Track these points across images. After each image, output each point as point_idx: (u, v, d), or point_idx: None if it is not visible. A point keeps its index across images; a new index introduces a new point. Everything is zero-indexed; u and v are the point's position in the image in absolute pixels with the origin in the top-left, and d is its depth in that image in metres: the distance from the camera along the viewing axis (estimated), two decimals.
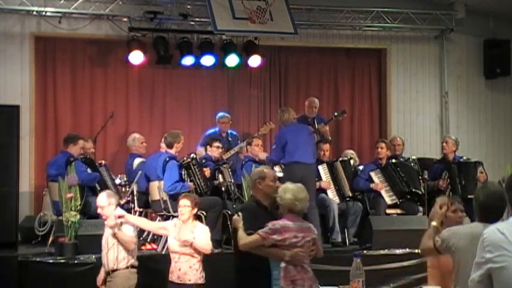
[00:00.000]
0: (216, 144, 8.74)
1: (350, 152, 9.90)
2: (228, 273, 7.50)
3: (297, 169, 8.00)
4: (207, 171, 8.24)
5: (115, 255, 6.22)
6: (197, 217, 6.63)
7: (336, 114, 9.57)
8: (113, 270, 6.25)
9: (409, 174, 8.91)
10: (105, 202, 6.20)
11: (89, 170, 8.20)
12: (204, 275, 6.26)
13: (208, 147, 8.78)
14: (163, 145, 8.63)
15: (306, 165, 8.12)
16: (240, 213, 5.05)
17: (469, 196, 8.67)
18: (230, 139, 9.70)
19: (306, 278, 4.85)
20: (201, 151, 9.09)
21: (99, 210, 6.25)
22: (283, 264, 4.80)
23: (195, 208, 6.24)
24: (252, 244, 4.85)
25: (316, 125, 9.39)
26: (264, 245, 4.82)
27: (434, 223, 4.39)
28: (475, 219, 4.21)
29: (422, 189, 8.78)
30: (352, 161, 9.33)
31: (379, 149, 9.01)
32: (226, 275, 7.46)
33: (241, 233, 4.91)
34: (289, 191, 4.99)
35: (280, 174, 8.77)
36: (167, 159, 7.89)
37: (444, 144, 9.26)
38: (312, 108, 9.70)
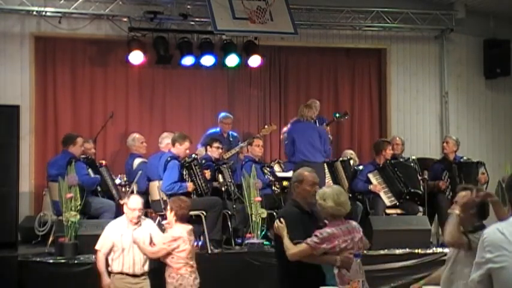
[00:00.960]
0: (216, 144, 8.74)
1: (350, 152, 9.91)
2: (227, 273, 7.52)
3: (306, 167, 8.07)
4: (208, 173, 8.24)
5: (142, 257, 6.41)
6: (188, 220, 6.66)
7: (337, 115, 9.57)
8: (142, 274, 6.42)
9: (407, 174, 8.89)
10: (141, 205, 6.54)
11: (90, 172, 8.17)
12: (183, 282, 6.25)
13: (208, 147, 8.79)
14: (161, 145, 8.64)
15: (316, 164, 8.20)
16: (282, 220, 4.89)
17: None
18: (231, 139, 9.71)
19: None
20: (201, 151, 9.10)
21: (135, 213, 6.44)
22: (336, 270, 4.74)
23: (172, 211, 6.35)
24: (301, 254, 4.78)
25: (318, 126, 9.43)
26: (313, 254, 4.76)
27: (456, 211, 4.30)
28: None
29: (422, 189, 8.77)
30: (351, 161, 9.33)
31: (387, 151, 8.97)
32: (226, 275, 7.49)
33: (287, 243, 4.80)
34: (329, 197, 4.85)
35: (283, 174, 8.80)
36: (169, 158, 7.89)
37: (445, 144, 9.23)
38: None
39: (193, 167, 7.98)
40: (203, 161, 8.54)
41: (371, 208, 8.74)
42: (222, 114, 9.93)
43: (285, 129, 9.71)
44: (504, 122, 11.69)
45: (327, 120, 9.97)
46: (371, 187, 8.79)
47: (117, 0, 9.92)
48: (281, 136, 9.96)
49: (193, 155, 8.24)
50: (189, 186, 7.84)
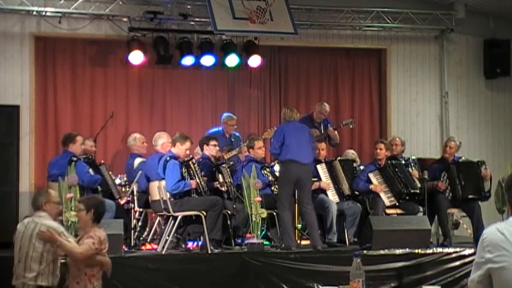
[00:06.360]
0: (213, 142, 8.67)
1: (351, 152, 9.90)
2: (227, 273, 7.52)
3: (293, 168, 7.99)
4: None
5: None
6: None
7: (344, 123, 9.53)
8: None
9: (406, 175, 8.90)
10: None
11: (90, 171, 8.19)
12: None
13: (204, 146, 8.72)
14: (157, 147, 8.63)
15: (303, 165, 8.06)
16: None
17: (469, 196, 8.71)
18: (233, 139, 9.68)
19: None
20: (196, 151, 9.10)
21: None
22: None
23: (91, 210, 5.48)
24: None
25: (322, 128, 9.41)
26: None
27: None
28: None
29: (419, 184, 8.77)
30: (354, 163, 9.32)
31: (378, 150, 8.98)
32: (226, 275, 7.49)
33: None
34: None
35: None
36: (168, 158, 7.90)
37: (447, 148, 9.05)
38: (323, 114, 9.67)
39: (192, 165, 7.99)
40: (201, 160, 8.54)
41: (371, 208, 8.74)
42: (225, 114, 9.85)
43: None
44: (504, 122, 11.68)
45: (333, 125, 9.92)
46: (372, 187, 8.78)
47: (117, 0, 9.92)
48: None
49: (190, 155, 8.28)
50: (192, 183, 7.85)
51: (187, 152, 8.19)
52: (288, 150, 8.05)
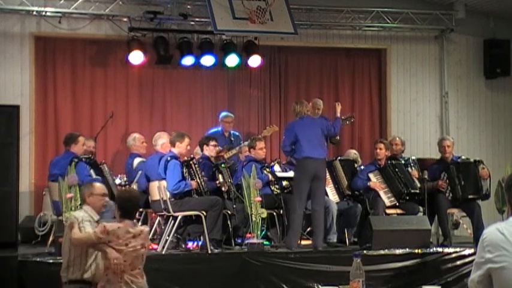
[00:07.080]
0: (213, 143, 8.67)
1: (353, 152, 9.90)
2: (227, 273, 7.52)
3: (309, 163, 8.00)
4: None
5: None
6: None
7: (342, 118, 9.55)
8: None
9: (406, 175, 8.90)
10: None
11: (92, 172, 8.17)
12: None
13: (204, 146, 8.70)
14: (157, 147, 8.63)
15: (319, 160, 8.10)
16: None
17: (470, 196, 8.71)
18: (232, 139, 9.68)
19: None
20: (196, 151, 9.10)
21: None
22: None
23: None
24: None
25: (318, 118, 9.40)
26: None
27: None
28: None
29: (418, 184, 8.76)
30: (355, 164, 9.32)
31: (378, 150, 8.97)
32: (226, 275, 7.49)
33: None
34: None
35: (281, 174, 8.79)
36: (169, 158, 7.90)
37: (445, 148, 9.03)
38: (316, 109, 9.66)
39: (193, 165, 7.99)
40: (201, 161, 8.54)
41: (371, 208, 8.74)
42: (223, 113, 9.90)
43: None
44: (504, 122, 11.68)
45: (329, 120, 9.92)
46: (370, 184, 8.77)
47: (117, 0, 9.92)
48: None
49: (191, 155, 8.28)
50: (193, 184, 7.85)
51: (189, 147, 8.19)
52: (301, 149, 8.10)
